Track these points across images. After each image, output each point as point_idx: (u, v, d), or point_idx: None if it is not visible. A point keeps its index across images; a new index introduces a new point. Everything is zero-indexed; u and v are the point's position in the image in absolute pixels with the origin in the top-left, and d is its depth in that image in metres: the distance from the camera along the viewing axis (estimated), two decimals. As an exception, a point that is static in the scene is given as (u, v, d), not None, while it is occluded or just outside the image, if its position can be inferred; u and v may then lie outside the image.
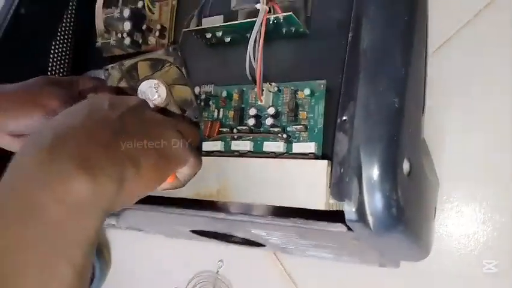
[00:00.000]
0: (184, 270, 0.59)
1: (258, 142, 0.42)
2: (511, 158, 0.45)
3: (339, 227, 0.27)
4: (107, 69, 0.47)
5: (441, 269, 0.45)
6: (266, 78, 0.40)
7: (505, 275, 0.45)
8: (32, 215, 0.21)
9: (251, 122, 0.41)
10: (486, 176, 0.45)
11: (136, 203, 0.33)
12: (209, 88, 0.45)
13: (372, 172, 0.25)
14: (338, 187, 0.26)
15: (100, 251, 0.63)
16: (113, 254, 0.65)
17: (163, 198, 0.39)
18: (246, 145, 0.42)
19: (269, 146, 0.40)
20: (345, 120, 0.27)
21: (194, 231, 0.47)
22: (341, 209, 0.28)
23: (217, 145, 0.43)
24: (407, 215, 0.27)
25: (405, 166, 0.27)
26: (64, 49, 0.57)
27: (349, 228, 0.28)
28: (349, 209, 0.26)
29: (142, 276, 0.62)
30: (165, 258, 0.61)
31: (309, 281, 0.51)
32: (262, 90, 0.42)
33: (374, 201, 0.25)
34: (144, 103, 0.33)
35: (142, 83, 0.43)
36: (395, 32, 0.27)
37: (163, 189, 0.36)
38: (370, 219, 0.26)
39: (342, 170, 0.26)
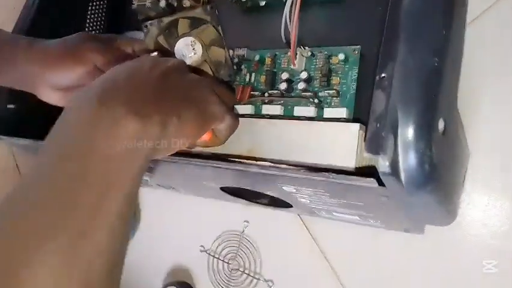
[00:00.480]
0: (211, 230, 0.61)
1: (289, 107, 0.43)
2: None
3: (370, 182, 0.28)
4: (146, 26, 0.48)
5: (467, 239, 0.46)
6: (300, 43, 0.41)
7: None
8: (88, 152, 0.24)
9: (283, 86, 0.42)
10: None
11: (173, 156, 0.35)
12: (242, 51, 0.46)
13: (408, 129, 0.26)
14: (373, 142, 0.27)
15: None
16: (143, 213, 0.67)
17: (197, 155, 0.41)
18: (276, 109, 0.43)
19: (300, 111, 0.41)
20: (383, 77, 0.27)
21: (223, 189, 0.49)
22: (372, 164, 0.29)
23: (247, 109, 0.43)
24: (438, 173, 0.28)
25: (440, 125, 0.27)
26: (100, 12, 0.58)
27: (380, 184, 0.28)
28: (383, 163, 0.26)
29: (169, 234, 0.65)
30: (193, 218, 0.63)
31: (332, 245, 0.53)
32: (296, 54, 0.42)
33: (408, 157, 0.26)
34: (183, 64, 0.34)
35: (179, 41, 0.44)
36: None
37: (202, 146, 0.38)
38: (403, 174, 0.26)
39: (378, 126, 0.27)
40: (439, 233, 0.46)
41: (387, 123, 0.27)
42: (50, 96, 0.43)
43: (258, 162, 0.35)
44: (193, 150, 0.40)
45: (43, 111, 0.53)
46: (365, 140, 0.29)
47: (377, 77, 0.28)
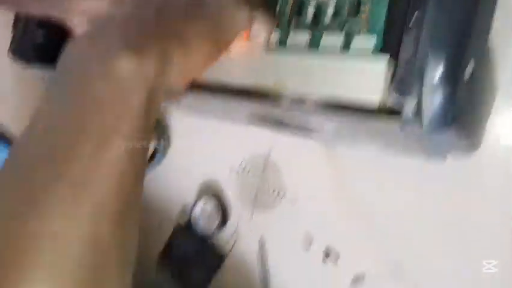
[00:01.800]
0: (236, 154, 0.64)
1: (316, 36, 0.42)
2: None
3: (392, 124, 0.29)
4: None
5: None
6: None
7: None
8: (81, 90, 0.23)
9: (310, 14, 0.41)
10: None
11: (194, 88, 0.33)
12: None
13: (436, 72, 0.26)
14: (399, 84, 0.28)
15: (163, 130, 0.69)
16: (172, 136, 0.70)
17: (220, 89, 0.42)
18: (303, 38, 0.42)
19: (327, 40, 0.40)
20: (415, 18, 0.27)
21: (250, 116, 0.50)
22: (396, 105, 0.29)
23: (274, 36, 0.43)
24: (463, 118, 0.28)
25: (468, 71, 0.27)
26: None
27: (402, 127, 0.29)
28: (407, 106, 0.27)
29: (197, 156, 0.68)
30: (219, 142, 0.66)
31: (355, 172, 0.55)
32: (325, -20, 0.40)
33: (433, 100, 0.27)
34: None
35: None
36: None
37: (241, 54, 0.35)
38: (425, 116, 0.27)
39: (406, 68, 0.27)
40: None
41: (415, 66, 0.27)
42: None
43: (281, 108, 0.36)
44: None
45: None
46: (392, 80, 0.29)
47: (408, 18, 0.27)
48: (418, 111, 0.27)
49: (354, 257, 0.54)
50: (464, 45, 0.26)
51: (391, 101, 0.32)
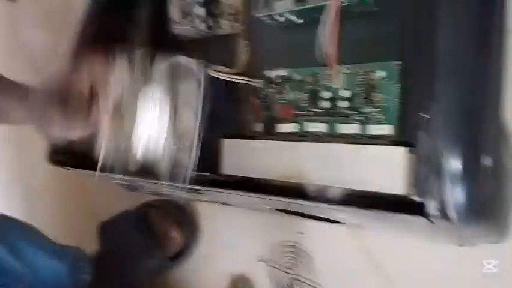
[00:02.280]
0: (268, 241, 0.63)
1: (333, 124, 0.43)
2: None
3: (419, 219, 0.28)
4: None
5: None
6: (340, 60, 0.40)
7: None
8: None
9: (325, 104, 0.42)
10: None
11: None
12: (283, 71, 0.46)
13: (454, 169, 0.26)
14: (420, 185, 0.27)
15: (192, 223, 0.70)
16: (202, 224, 0.71)
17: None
18: (320, 127, 0.43)
19: (344, 128, 0.41)
20: (426, 119, 0.27)
21: (278, 209, 0.50)
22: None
23: (291, 127, 0.44)
24: (488, 209, 0.27)
25: (487, 162, 0.27)
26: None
27: (430, 220, 0.28)
28: (431, 206, 0.26)
29: (227, 245, 0.67)
30: (249, 229, 0.65)
31: (387, 254, 0.53)
32: (337, 71, 0.42)
33: (456, 198, 0.26)
34: None
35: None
36: (473, 31, 0.26)
37: None
38: (452, 213, 0.26)
39: (424, 168, 0.27)
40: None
41: (433, 164, 0.26)
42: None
43: (305, 200, 0.36)
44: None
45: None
46: (412, 164, 0.28)
47: (420, 119, 0.27)
48: (443, 210, 0.26)
49: None
50: (477, 139, 0.26)
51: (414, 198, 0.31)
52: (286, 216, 0.58)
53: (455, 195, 0.26)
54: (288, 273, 0.61)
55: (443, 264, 0.49)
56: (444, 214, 0.26)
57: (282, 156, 0.42)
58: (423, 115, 0.27)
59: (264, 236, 0.63)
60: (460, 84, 0.26)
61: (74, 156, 0.55)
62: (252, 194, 0.40)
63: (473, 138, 0.26)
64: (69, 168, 0.57)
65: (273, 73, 0.47)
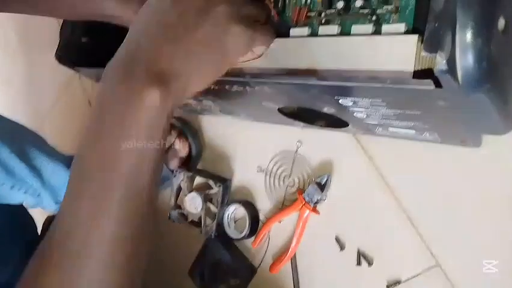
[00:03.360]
0: (267, 151, 0.65)
1: (346, 26, 0.43)
2: None
3: (427, 84, 0.29)
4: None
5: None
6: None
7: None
8: (118, 129, 0.30)
9: (340, 4, 0.42)
10: None
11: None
12: (297, -29, 0.46)
13: (467, 26, 0.27)
14: (431, 40, 0.28)
15: (195, 134, 0.71)
16: (207, 137, 0.72)
17: (258, 74, 0.43)
18: (333, 29, 0.43)
19: (358, 29, 0.41)
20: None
21: (281, 111, 0.51)
22: (430, 66, 0.29)
23: (304, 31, 0.44)
24: (496, 73, 0.28)
25: (501, 24, 0.28)
26: None
27: (437, 85, 0.29)
28: (440, 60, 0.27)
29: (230, 155, 0.69)
30: (250, 140, 0.67)
31: (388, 162, 0.54)
32: (354, -30, 0.42)
33: (465, 54, 0.27)
34: None
35: None
36: None
37: (241, 62, 0.39)
38: (459, 71, 0.27)
39: (436, 25, 0.28)
40: (496, 147, 0.46)
41: (446, 21, 0.27)
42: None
43: (316, 78, 0.36)
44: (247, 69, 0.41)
45: (112, 43, 0.58)
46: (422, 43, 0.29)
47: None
48: (452, 66, 0.27)
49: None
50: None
51: (424, 65, 0.32)
52: (288, 127, 0.59)
53: (464, 50, 0.27)
54: (284, 181, 0.63)
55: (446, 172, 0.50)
56: (452, 67, 0.27)
57: (293, 51, 0.42)
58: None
59: (264, 147, 0.65)
60: None
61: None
62: (263, 77, 0.40)
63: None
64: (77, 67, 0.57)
65: (287, -25, 0.47)
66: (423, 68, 0.32)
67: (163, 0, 0.33)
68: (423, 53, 0.28)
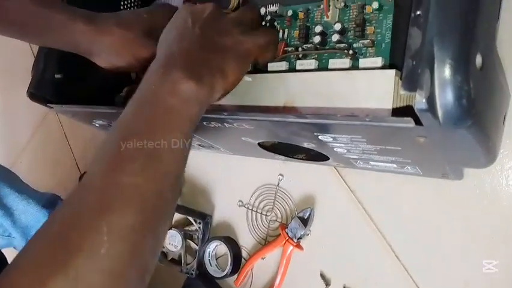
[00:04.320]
0: (248, 185, 0.63)
1: (323, 60, 0.43)
2: None
3: (407, 121, 0.29)
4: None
5: (507, 186, 0.45)
6: (333, -6, 0.41)
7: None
8: (156, 104, 0.34)
9: (316, 39, 0.43)
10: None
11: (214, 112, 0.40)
12: (274, 8, 0.46)
13: (445, 63, 0.26)
14: (409, 79, 0.27)
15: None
16: (186, 171, 0.70)
17: (238, 109, 0.42)
18: (310, 64, 0.43)
19: (335, 63, 0.41)
20: (419, 14, 0.27)
21: (261, 145, 0.50)
22: (409, 104, 0.29)
23: (282, 65, 0.44)
24: (476, 109, 0.28)
25: (478, 60, 0.27)
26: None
27: (417, 123, 0.29)
28: (420, 99, 0.27)
29: (210, 189, 0.68)
30: (231, 173, 0.66)
31: (370, 194, 0.53)
32: (329, 5, 0.42)
33: (445, 92, 0.26)
34: (216, 10, 0.40)
35: None
36: None
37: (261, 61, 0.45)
38: (440, 109, 0.27)
39: (414, 63, 0.27)
40: (478, 180, 0.46)
41: (423, 59, 0.27)
42: (102, 63, 0.49)
43: (295, 116, 0.36)
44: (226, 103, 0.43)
45: (87, 80, 0.57)
46: (401, 80, 0.29)
47: (412, 15, 0.28)
48: (432, 104, 0.27)
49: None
50: (471, 34, 0.26)
51: (403, 103, 0.32)
52: (269, 160, 0.58)
53: (444, 88, 0.26)
54: (266, 215, 0.62)
55: (425, 202, 0.50)
56: (431, 106, 0.26)
57: (271, 87, 0.42)
58: (415, 13, 0.27)
59: (246, 181, 0.63)
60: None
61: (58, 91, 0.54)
62: (241, 115, 0.40)
63: (467, 33, 0.26)
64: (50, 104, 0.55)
65: (264, 10, 0.47)
66: (402, 105, 0.32)
67: (182, 20, 0.39)
68: (402, 92, 0.28)
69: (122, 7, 0.59)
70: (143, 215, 0.30)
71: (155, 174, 0.32)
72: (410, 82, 0.28)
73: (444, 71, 0.27)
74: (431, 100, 0.27)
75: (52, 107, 0.56)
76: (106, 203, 0.29)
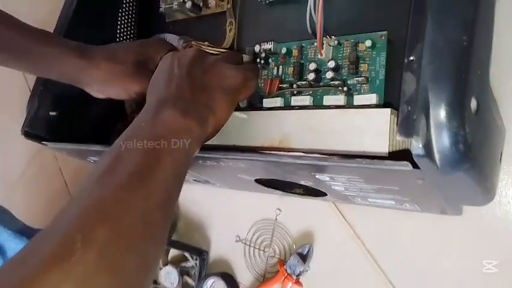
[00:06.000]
0: (245, 220, 0.62)
1: (318, 97, 0.43)
2: None
3: (405, 165, 0.29)
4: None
5: (507, 218, 0.45)
6: (326, 32, 0.41)
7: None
8: (149, 137, 0.34)
9: (311, 76, 0.43)
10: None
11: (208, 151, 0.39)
12: (268, 45, 0.47)
13: (440, 109, 0.26)
14: (405, 125, 0.27)
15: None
16: (182, 206, 0.70)
17: (230, 149, 0.42)
18: (305, 100, 0.43)
19: (329, 100, 0.41)
20: (412, 60, 0.27)
21: (258, 181, 0.50)
22: (405, 147, 0.29)
23: (277, 102, 0.44)
24: (473, 152, 0.28)
25: (473, 104, 0.27)
26: (130, 17, 0.60)
27: (414, 166, 0.29)
28: (416, 145, 0.27)
29: (206, 225, 0.67)
30: (227, 208, 0.65)
31: (368, 230, 0.53)
32: (323, 43, 0.42)
33: (441, 137, 0.26)
34: (199, 51, 0.43)
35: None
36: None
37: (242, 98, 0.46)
38: (437, 155, 0.27)
39: (409, 108, 0.27)
40: (477, 214, 0.45)
41: (418, 105, 0.27)
42: (94, 93, 0.50)
43: (290, 153, 0.36)
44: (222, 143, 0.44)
45: (82, 118, 0.57)
46: (397, 124, 0.29)
47: (406, 60, 0.28)
48: (429, 150, 0.27)
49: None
50: (465, 80, 0.26)
51: (399, 146, 0.32)
52: (265, 195, 0.58)
53: (440, 134, 0.26)
54: (264, 251, 0.61)
55: (427, 241, 0.49)
56: (428, 151, 0.26)
57: (266, 124, 0.42)
58: (408, 58, 0.27)
59: (243, 215, 0.62)
60: (446, 25, 0.27)
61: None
62: (236, 155, 0.40)
63: (460, 79, 0.26)
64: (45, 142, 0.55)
65: (258, 47, 0.47)
66: (399, 148, 0.32)
67: (168, 65, 0.41)
68: (399, 138, 0.28)
69: (117, 38, 0.59)
70: (121, 230, 0.29)
71: (142, 191, 0.31)
72: (406, 128, 0.28)
73: (440, 117, 0.27)
74: (427, 146, 0.27)
75: (47, 145, 0.56)
76: (83, 214, 0.28)
